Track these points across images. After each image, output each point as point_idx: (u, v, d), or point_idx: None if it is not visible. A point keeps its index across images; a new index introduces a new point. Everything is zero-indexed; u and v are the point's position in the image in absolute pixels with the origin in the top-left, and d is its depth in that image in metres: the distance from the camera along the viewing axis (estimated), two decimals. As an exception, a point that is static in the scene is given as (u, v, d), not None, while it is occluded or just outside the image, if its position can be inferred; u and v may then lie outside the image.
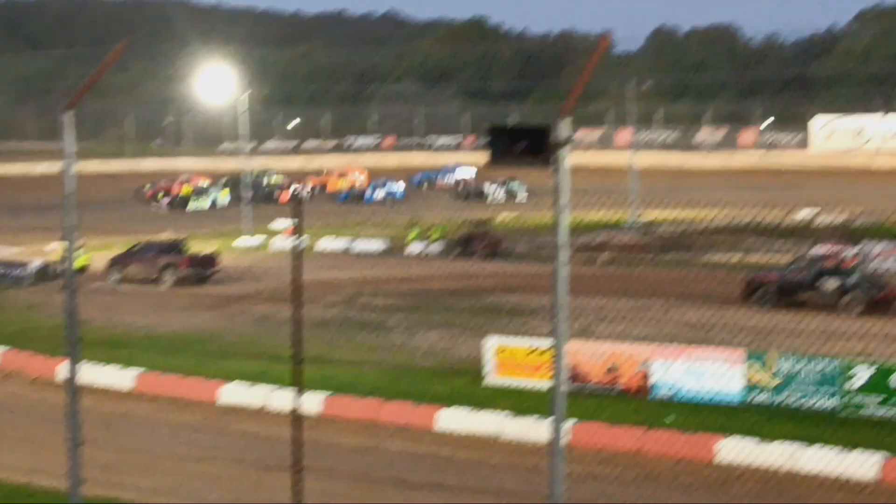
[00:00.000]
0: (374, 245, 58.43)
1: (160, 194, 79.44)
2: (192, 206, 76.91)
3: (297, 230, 12.91)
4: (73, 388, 14.73)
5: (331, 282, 44.55)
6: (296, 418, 12.64)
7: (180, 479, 21.10)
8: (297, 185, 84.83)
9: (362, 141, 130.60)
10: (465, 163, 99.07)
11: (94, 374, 28.30)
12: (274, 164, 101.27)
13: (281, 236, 61.05)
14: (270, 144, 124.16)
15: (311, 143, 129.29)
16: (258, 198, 78.66)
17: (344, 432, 24.95)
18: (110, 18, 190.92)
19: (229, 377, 28.81)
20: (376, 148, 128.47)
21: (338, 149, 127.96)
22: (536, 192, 77.97)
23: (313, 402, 26.01)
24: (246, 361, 31.19)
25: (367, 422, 25.75)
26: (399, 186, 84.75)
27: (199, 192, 78.93)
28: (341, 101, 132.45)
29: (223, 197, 79.20)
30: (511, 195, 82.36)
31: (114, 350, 31.58)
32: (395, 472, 21.89)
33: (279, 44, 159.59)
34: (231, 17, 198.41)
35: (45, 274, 48.44)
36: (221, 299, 43.42)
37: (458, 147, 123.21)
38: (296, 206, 13.06)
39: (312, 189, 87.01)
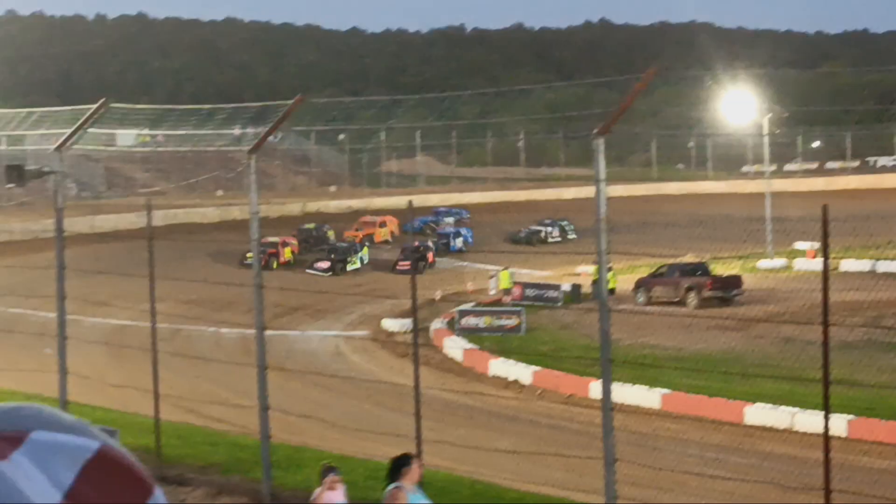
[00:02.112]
0: (901, 266, 56.65)
1: (274, 262, 64.28)
2: (350, 267, 65.22)
3: (824, 251, 12.97)
4: (607, 407, 15.37)
5: (855, 303, 43.55)
6: (826, 439, 12.71)
7: (708, 498, 21.41)
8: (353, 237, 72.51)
9: (885, 161, 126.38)
10: (445, 203, 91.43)
11: (622, 393, 29.09)
12: (794, 185, 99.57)
13: (804, 258, 60.20)
14: (792, 166, 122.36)
15: (832, 164, 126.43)
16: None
17: (869, 455, 24.49)
18: (635, 44, 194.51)
19: (754, 398, 28.90)
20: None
21: (860, 169, 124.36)
22: (581, 231, 73.49)
23: (837, 424, 25.68)
24: (770, 382, 31.09)
25: (893, 445, 25.16)
26: (468, 232, 74.42)
27: (353, 251, 66.73)
28: (864, 120, 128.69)
29: (365, 254, 67.86)
30: (563, 234, 77.77)
31: (641, 370, 32.31)
32: (927, 499, 21.33)
33: (801, 64, 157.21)
34: (753, 39, 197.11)
35: (576, 295, 50.16)
36: (745, 320, 43.40)
37: None
38: (824, 227, 13.13)
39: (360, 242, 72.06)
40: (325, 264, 61.43)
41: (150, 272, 22.06)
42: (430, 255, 64.09)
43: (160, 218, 49.69)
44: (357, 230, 74.33)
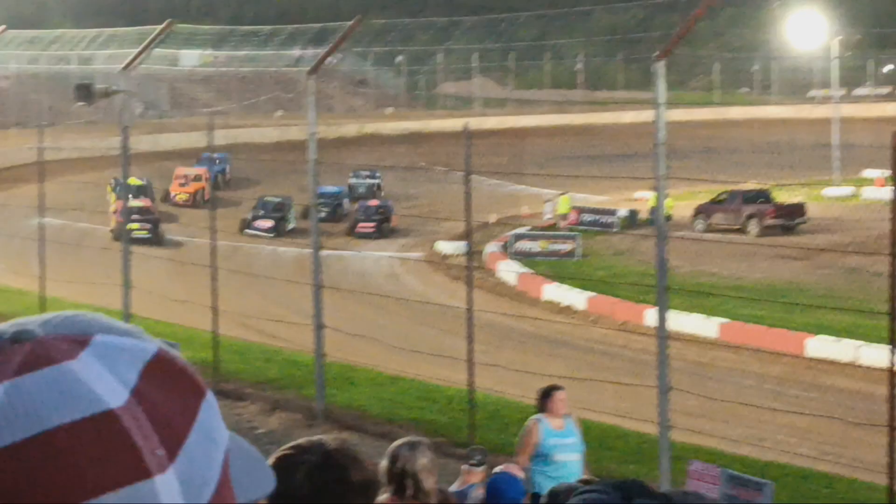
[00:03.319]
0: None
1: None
2: (289, 227, 51.61)
3: (894, 179, 12.63)
4: (662, 336, 15.21)
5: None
6: (891, 374, 12.44)
7: (765, 430, 21.18)
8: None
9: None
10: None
11: (679, 321, 28.70)
12: (864, 111, 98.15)
13: (872, 186, 59.40)
14: (862, 91, 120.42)
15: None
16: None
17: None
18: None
19: (815, 330, 28.53)
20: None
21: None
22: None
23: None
24: (833, 314, 30.65)
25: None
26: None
27: (287, 208, 52.59)
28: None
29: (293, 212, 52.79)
30: None
31: (698, 298, 31.95)
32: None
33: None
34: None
35: (632, 221, 49.81)
36: (809, 250, 42.83)
37: None
38: (894, 154, 12.79)
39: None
40: (267, 223, 50.59)
41: (212, 190, 22.22)
42: (393, 218, 52.44)
43: (221, 137, 49.62)
44: (182, 185, 56.67)
